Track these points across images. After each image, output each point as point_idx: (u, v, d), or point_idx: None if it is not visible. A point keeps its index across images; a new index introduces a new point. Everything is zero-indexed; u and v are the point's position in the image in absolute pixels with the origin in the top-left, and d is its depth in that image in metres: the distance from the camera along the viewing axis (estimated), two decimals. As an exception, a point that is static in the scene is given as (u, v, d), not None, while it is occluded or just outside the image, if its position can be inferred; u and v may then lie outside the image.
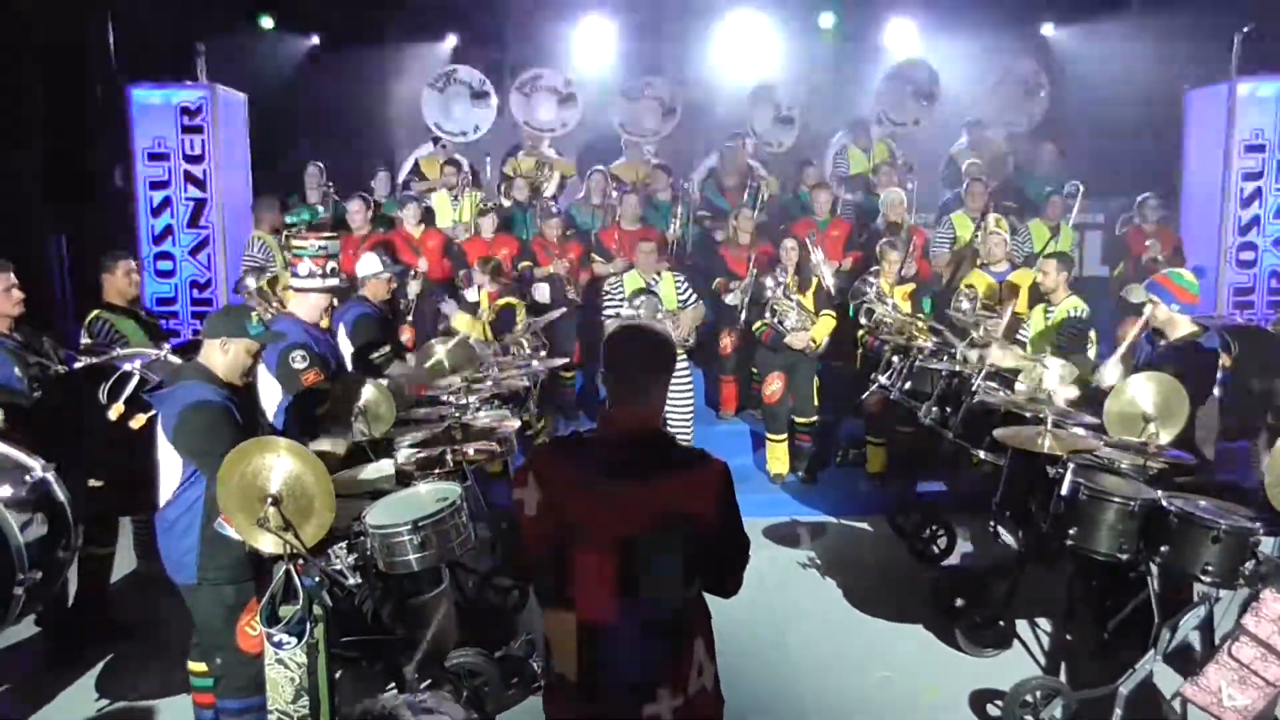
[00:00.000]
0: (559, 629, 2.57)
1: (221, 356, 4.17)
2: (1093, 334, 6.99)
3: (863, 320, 7.54)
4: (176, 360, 4.90)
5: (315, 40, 12.12)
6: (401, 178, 11.04)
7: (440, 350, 6.26)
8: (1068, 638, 5.57)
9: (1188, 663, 4.30)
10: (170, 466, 4.11)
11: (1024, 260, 8.46)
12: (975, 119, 10.95)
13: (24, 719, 4.86)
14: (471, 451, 5.16)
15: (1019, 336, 7.00)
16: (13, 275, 5.21)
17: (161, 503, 4.16)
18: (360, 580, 4.17)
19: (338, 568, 4.09)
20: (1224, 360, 5.16)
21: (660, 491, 2.51)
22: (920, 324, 7.10)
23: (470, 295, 8.18)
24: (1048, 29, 12.08)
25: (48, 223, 9.32)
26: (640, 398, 2.61)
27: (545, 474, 2.58)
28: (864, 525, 7.41)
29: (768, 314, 7.72)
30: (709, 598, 2.71)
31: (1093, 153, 10.18)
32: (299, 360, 4.93)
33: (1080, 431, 5.01)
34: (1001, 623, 5.38)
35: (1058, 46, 11.99)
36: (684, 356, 7.85)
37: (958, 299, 7.32)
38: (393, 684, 4.60)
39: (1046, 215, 8.98)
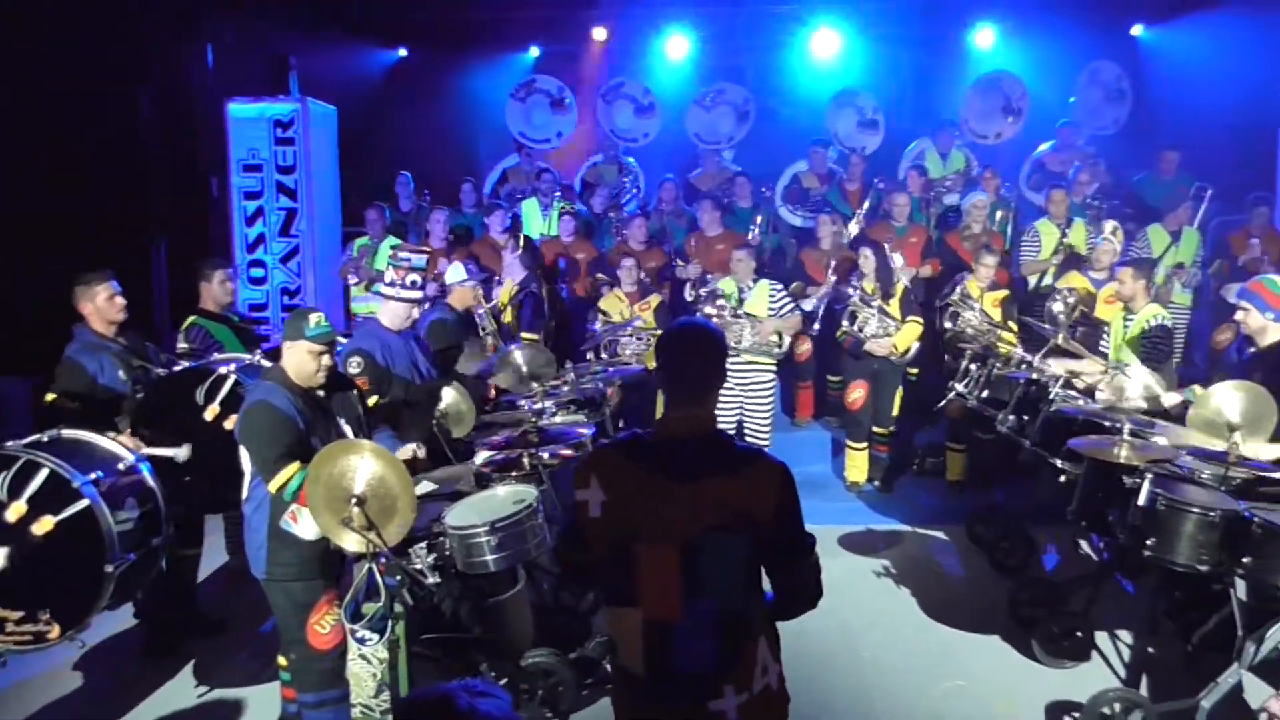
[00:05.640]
0: (624, 626, 2.64)
1: (290, 359, 4.30)
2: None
3: (946, 325, 7.45)
4: (268, 364, 5.10)
5: (402, 53, 12.45)
6: (488, 188, 11.25)
7: (519, 357, 6.39)
8: (1150, 650, 5.44)
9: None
10: (250, 464, 4.30)
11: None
12: (1069, 120, 10.74)
13: (126, 711, 5.06)
14: (547, 455, 5.27)
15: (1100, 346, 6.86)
16: (115, 283, 5.42)
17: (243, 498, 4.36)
18: (439, 579, 4.31)
19: (418, 567, 4.24)
20: None
21: (721, 491, 2.55)
22: (1009, 334, 6.98)
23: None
24: (1137, 29, 11.79)
25: (149, 231, 9.73)
26: (694, 401, 2.65)
27: (608, 475, 2.64)
28: (940, 534, 7.32)
29: (846, 321, 7.67)
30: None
31: (1186, 154, 9.87)
32: (354, 366, 5.25)
33: (1160, 441, 4.91)
34: (1080, 634, 5.29)
35: (1148, 47, 11.68)
36: (770, 365, 7.77)
37: (1052, 299, 7.19)
38: (469, 680, 4.72)
39: (1167, 221, 8.76)
